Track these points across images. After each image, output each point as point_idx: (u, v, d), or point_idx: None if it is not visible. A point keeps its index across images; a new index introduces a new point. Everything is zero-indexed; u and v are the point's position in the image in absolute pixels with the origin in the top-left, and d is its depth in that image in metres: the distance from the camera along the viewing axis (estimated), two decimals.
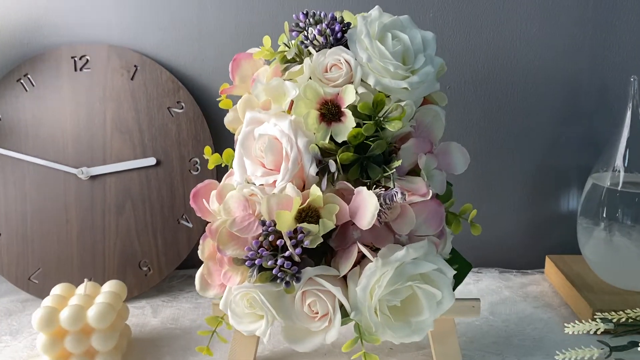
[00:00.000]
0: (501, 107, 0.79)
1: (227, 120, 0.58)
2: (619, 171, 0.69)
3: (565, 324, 0.60)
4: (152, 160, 0.75)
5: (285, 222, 0.47)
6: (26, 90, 0.76)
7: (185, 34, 0.78)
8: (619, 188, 0.69)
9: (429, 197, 0.48)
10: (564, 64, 0.78)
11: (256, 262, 0.47)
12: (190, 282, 0.80)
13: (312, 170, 0.49)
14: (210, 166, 0.60)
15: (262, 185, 0.51)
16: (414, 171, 0.52)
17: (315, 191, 0.48)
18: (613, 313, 0.58)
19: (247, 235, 0.48)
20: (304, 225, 0.47)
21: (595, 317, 0.60)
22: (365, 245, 0.49)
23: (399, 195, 0.47)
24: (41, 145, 0.75)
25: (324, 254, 0.51)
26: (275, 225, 0.48)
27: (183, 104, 0.76)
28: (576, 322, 0.56)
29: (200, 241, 0.53)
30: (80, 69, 0.76)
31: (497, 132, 0.79)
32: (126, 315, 0.64)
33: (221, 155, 0.59)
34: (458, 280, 0.57)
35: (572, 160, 0.80)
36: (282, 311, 0.49)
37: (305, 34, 0.52)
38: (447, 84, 0.77)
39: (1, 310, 0.73)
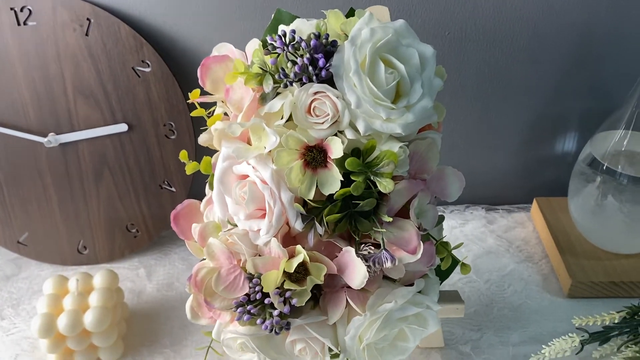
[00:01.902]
0: (504, 54, 0.71)
1: (202, 140, 0.53)
2: (629, 128, 0.66)
3: (542, 347, 0.61)
4: (123, 127, 0.69)
5: (272, 284, 0.46)
6: None
7: None
8: (624, 143, 0.66)
9: (419, 255, 0.47)
10: (577, 10, 0.68)
11: (245, 318, 0.48)
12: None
13: (298, 225, 0.47)
14: (188, 172, 0.56)
15: (245, 230, 0.49)
16: (405, 207, 0.49)
17: (301, 251, 0.46)
18: (590, 316, 0.61)
19: (234, 296, 0.47)
20: (291, 285, 0.46)
21: (573, 322, 0.63)
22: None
23: (389, 263, 0.45)
24: None
25: (312, 293, 0.51)
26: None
27: (149, 62, 0.67)
28: (553, 341, 0.59)
29: (187, 282, 0.52)
30: (24, 23, 0.65)
31: (499, 79, 0.73)
32: (121, 298, 0.66)
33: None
34: (444, 276, 0.58)
35: (576, 107, 0.75)
36: (273, 351, 0.51)
37: (283, 69, 0.44)
38: (447, 30, 0.68)
39: (0, 275, 0.75)
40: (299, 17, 0.52)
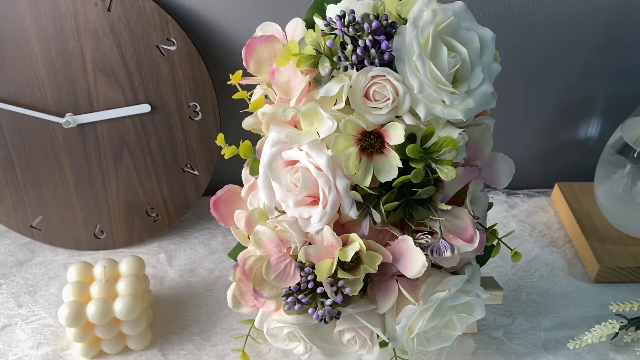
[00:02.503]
0: (536, 37, 0.70)
1: (247, 124, 0.51)
2: None
3: (573, 332, 0.62)
4: (146, 107, 0.66)
5: (325, 273, 0.45)
6: None
7: None
8: None
9: (476, 244, 0.46)
10: None
11: (296, 308, 0.46)
12: (199, 220, 0.78)
13: (353, 213, 0.45)
14: (227, 156, 0.54)
15: (294, 218, 0.47)
16: (458, 195, 0.48)
17: (356, 239, 0.45)
18: (626, 302, 0.61)
19: (285, 285, 0.46)
20: (344, 274, 0.45)
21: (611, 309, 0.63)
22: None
23: (448, 252, 0.44)
24: (13, 89, 0.65)
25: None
26: (313, 268, 0.46)
27: (174, 40, 0.64)
28: (593, 328, 0.59)
29: (231, 270, 0.51)
30: None
31: (528, 62, 0.72)
32: (147, 285, 0.64)
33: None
34: (482, 263, 0.58)
35: (602, 92, 0.75)
36: (320, 339, 0.50)
37: (342, 52, 0.43)
38: (481, 12, 0.67)
39: (12, 260, 0.72)
40: None
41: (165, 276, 0.70)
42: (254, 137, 0.51)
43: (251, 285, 0.47)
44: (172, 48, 0.65)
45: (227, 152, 0.54)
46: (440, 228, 0.45)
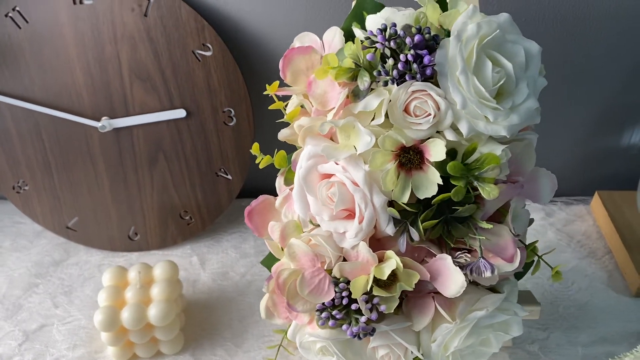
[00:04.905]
0: (579, 44, 0.67)
1: (282, 135, 0.50)
2: None
3: (623, 350, 0.60)
4: (181, 112, 0.66)
5: (360, 290, 0.45)
6: (19, 28, 0.63)
7: None
8: None
9: (517, 264, 0.45)
10: None
11: (330, 323, 0.46)
12: (232, 222, 0.78)
13: (390, 230, 0.44)
14: (262, 166, 0.54)
15: (329, 232, 0.47)
16: (499, 211, 0.47)
17: (393, 257, 0.44)
18: None
19: (319, 301, 0.46)
20: (380, 292, 0.45)
21: None
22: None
23: (488, 272, 0.43)
24: (51, 94, 0.66)
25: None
26: (348, 283, 0.45)
27: (210, 46, 0.64)
28: (636, 349, 0.56)
29: (265, 282, 0.51)
30: (80, 1, 0.62)
31: (571, 68, 0.69)
32: (181, 289, 0.65)
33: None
34: (518, 278, 0.56)
35: None
36: (353, 355, 0.49)
37: (383, 66, 0.42)
38: (523, 16, 0.65)
39: (48, 260, 0.73)
40: (383, 5, 0.49)
41: (197, 279, 0.71)
42: (288, 145, 0.51)
43: (285, 298, 0.47)
44: (208, 54, 0.65)
45: (262, 161, 0.53)
46: (480, 247, 0.44)
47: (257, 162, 0.53)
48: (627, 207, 0.75)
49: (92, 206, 0.72)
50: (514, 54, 0.43)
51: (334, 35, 0.49)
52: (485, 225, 0.44)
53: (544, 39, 0.67)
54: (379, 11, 0.47)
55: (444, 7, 0.46)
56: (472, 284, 0.49)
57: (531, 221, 0.51)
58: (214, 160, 0.70)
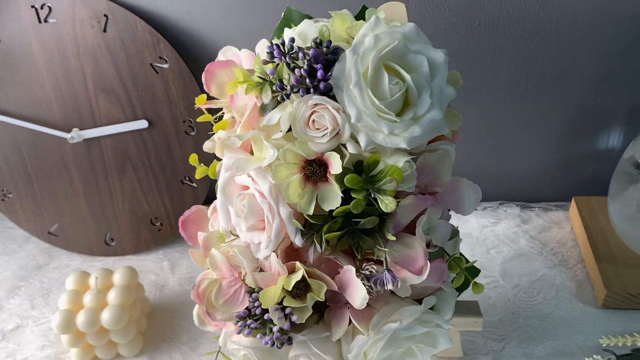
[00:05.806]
0: (539, 45, 0.65)
1: (206, 147, 0.51)
2: None
3: None
4: (144, 123, 0.69)
5: (270, 300, 0.45)
6: None
7: None
8: None
9: (425, 277, 0.44)
10: None
11: (245, 332, 0.47)
12: None
13: (298, 241, 0.45)
14: (197, 176, 0.55)
15: (247, 243, 0.48)
16: (415, 221, 0.47)
17: (300, 268, 0.45)
18: (619, 336, 0.56)
19: (233, 310, 0.47)
20: (292, 302, 0.45)
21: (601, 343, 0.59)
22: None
23: (390, 285, 0.43)
24: (25, 107, 0.70)
25: (317, 306, 0.49)
26: None
27: (166, 58, 0.66)
28: None
29: (192, 290, 0.52)
30: (45, 20, 0.66)
31: (534, 71, 0.67)
32: (142, 293, 0.67)
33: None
34: (462, 289, 0.55)
35: (625, 101, 0.69)
36: None
37: (280, 81, 0.42)
38: (477, 20, 0.63)
39: (33, 264, 0.77)
40: (309, 16, 0.50)
41: (166, 284, 0.73)
42: None
43: (204, 307, 0.48)
44: (165, 66, 0.67)
45: (199, 171, 0.55)
46: (385, 260, 0.44)
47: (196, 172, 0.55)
48: (602, 213, 0.72)
49: (70, 213, 0.76)
50: (417, 65, 0.43)
51: (263, 47, 0.50)
52: (390, 237, 0.43)
53: (502, 43, 0.66)
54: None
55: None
56: (396, 295, 0.49)
57: (455, 232, 0.50)
58: (178, 168, 0.72)
